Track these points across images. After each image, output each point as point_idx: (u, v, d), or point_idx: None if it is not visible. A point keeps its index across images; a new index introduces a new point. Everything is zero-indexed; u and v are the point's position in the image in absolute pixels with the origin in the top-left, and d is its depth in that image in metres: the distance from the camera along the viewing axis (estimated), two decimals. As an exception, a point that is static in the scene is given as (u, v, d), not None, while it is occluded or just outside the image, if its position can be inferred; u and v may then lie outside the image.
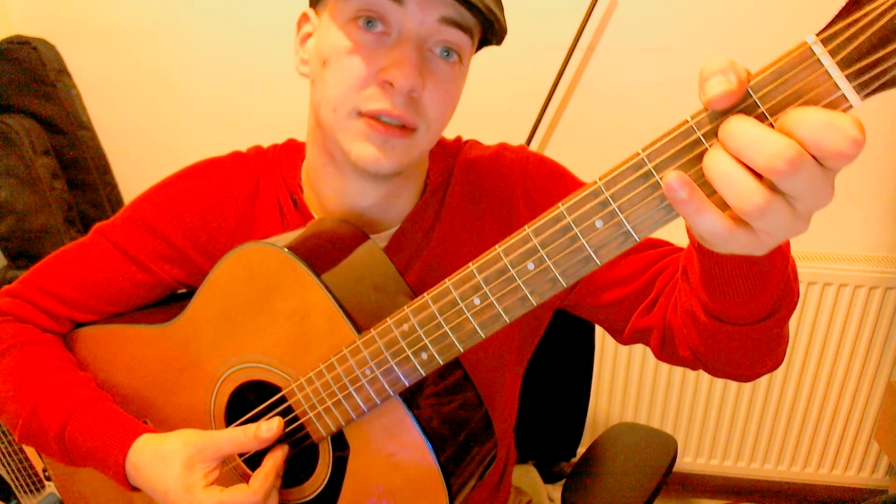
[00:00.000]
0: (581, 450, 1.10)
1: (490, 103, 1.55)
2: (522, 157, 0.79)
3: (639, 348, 1.66)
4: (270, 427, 0.66)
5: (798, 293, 0.58)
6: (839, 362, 1.63)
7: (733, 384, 1.67)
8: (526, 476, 1.16)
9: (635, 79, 1.53)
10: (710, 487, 1.86)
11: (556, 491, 1.13)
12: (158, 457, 0.68)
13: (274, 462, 0.67)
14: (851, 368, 1.63)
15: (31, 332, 0.80)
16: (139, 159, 1.72)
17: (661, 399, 1.71)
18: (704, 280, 0.54)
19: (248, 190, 0.79)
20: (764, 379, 1.66)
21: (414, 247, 0.76)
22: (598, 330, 1.15)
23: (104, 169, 1.67)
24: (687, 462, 1.76)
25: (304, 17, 0.73)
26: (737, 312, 0.55)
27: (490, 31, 0.68)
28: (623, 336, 0.74)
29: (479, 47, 0.74)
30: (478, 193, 0.78)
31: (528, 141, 1.53)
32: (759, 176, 0.37)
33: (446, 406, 0.65)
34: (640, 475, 1.01)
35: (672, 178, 0.39)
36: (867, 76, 0.35)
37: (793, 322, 1.59)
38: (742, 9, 1.46)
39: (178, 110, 1.70)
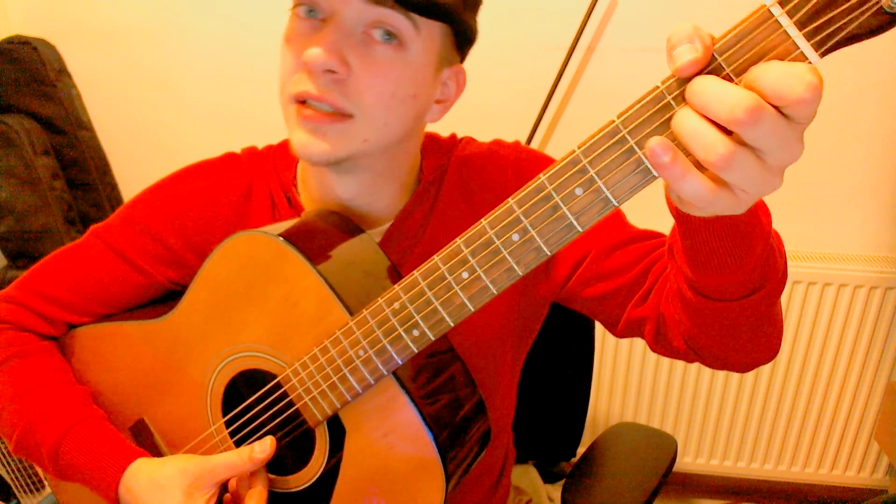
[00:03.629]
0: (581, 450, 1.10)
1: (490, 103, 1.55)
2: (516, 153, 0.80)
3: (639, 348, 1.66)
4: (264, 447, 0.67)
5: (785, 272, 0.58)
6: (839, 362, 1.63)
7: (734, 383, 1.67)
8: (526, 476, 1.16)
9: (635, 79, 1.53)
10: (710, 487, 1.86)
11: (556, 491, 1.13)
12: (156, 485, 0.68)
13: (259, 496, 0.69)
14: (851, 368, 1.63)
15: (28, 342, 0.81)
16: (139, 159, 1.72)
17: (661, 399, 1.71)
18: (687, 252, 0.54)
19: (240, 190, 0.79)
20: (764, 378, 1.66)
21: (407, 242, 0.77)
22: (598, 330, 1.15)
23: (104, 169, 1.67)
24: (687, 462, 1.76)
25: None
26: (721, 286, 0.55)
27: (440, 14, 0.62)
28: (618, 328, 0.74)
29: (462, 46, 0.70)
30: (472, 189, 0.78)
31: (528, 141, 1.53)
32: (729, 133, 0.39)
33: (438, 383, 0.66)
34: (639, 475, 1.01)
35: (655, 143, 0.41)
36: (823, 34, 0.38)
37: (792, 322, 1.59)
38: (742, 9, 1.45)
39: (178, 110, 1.70)
